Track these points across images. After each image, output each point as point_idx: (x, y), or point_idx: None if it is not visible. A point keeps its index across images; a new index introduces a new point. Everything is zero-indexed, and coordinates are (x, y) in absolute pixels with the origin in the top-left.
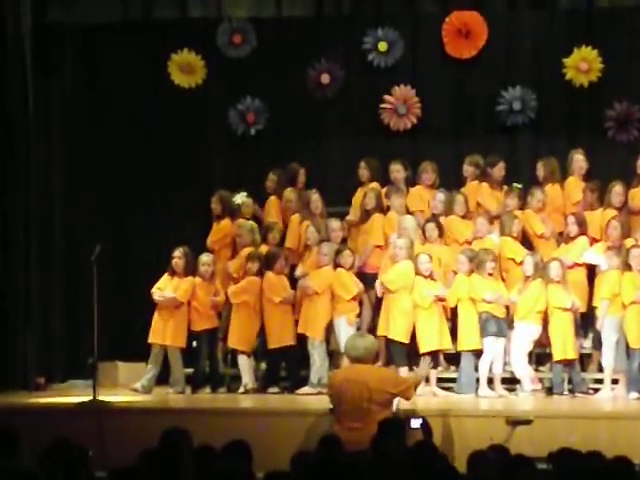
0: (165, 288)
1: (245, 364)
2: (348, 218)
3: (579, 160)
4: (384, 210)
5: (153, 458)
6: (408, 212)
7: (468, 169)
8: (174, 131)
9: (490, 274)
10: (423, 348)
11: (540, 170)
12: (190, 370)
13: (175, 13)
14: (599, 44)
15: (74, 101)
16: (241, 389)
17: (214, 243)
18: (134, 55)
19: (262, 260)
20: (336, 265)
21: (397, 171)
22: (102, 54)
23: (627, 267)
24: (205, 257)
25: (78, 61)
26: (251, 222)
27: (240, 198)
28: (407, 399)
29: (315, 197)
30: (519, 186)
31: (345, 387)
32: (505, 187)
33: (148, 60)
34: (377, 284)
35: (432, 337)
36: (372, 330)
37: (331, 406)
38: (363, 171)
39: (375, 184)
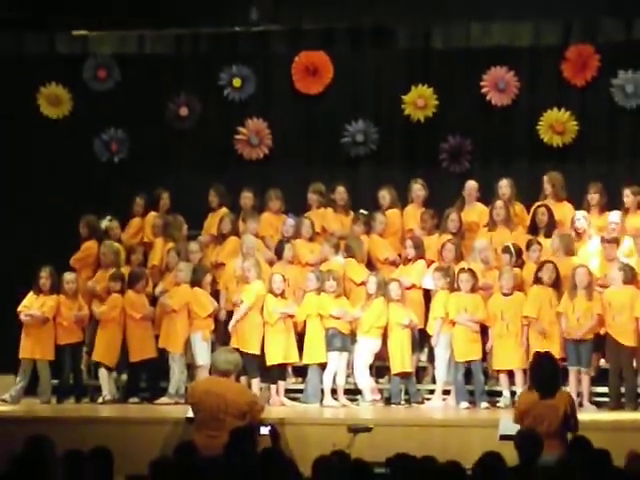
0: (31, 306)
1: (105, 377)
2: (201, 239)
3: (417, 189)
4: (239, 234)
5: (17, 463)
6: (257, 236)
7: (312, 197)
8: (44, 158)
9: (332, 292)
10: (269, 361)
11: (385, 197)
12: (56, 381)
13: (44, 49)
14: (434, 82)
15: None
16: (100, 399)
17: (76, 262)
18: (5, 87)
19: (124, 280)
20: (194, 284)
21: (248, 198)
22: None
23: (455, 288)
24: (69, 275)
25: None
26: (117, 244)
27: (105, 222)
28: (254, 420)
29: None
30: (365, 213)
31: (205, 398)
32: (352, 214)
33: (19, 92)
34: (234, 299)
35: (278, 351)
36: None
37: (189, 415)
38: (213, 198)
39: (224, 209)
